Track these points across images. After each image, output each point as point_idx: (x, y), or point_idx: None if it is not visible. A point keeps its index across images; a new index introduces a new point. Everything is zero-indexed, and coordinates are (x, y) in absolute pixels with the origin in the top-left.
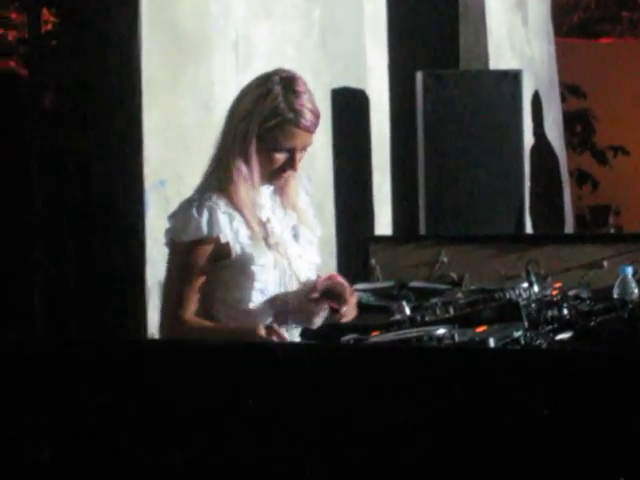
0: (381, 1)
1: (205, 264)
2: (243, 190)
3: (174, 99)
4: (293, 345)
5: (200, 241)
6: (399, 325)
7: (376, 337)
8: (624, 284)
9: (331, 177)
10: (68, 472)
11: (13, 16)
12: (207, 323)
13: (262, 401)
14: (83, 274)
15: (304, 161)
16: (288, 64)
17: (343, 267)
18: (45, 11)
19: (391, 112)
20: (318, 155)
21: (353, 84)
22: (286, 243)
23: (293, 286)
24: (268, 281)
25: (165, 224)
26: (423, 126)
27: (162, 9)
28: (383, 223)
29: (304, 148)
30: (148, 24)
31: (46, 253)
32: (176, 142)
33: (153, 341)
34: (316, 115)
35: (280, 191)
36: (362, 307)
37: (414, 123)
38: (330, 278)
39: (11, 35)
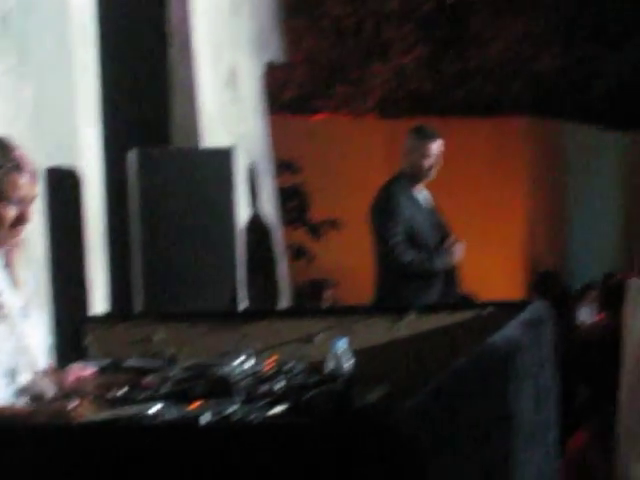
0: (93, 78)
1: None
2: None
3: None
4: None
5: None
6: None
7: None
8: (336, 358)
9: (46, 258)
10: None
11: None
12: None
13: None
14: None
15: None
16: None
17: (60, 348)
18: None
19: (105, 190)
20: (32, 237)
21: (66, 163)
22: (16, 319)
23: (25, 361)
24: (1, 352)
25: None
26: (137, 204)
27: None
28: (99, 302)
29: (32, 199)
30: None
31: None
32: None
33: None
34: (33, 165)
35: (9, 267)
36: None
37: (128, 201)
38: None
39: None
